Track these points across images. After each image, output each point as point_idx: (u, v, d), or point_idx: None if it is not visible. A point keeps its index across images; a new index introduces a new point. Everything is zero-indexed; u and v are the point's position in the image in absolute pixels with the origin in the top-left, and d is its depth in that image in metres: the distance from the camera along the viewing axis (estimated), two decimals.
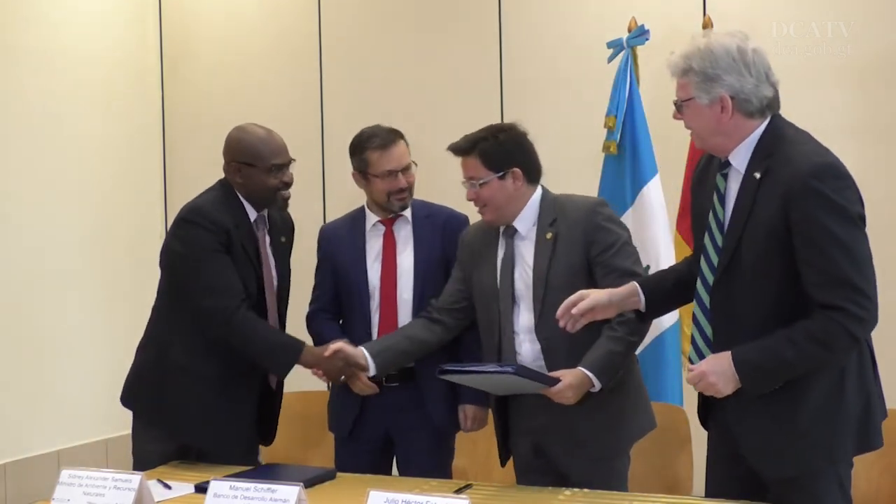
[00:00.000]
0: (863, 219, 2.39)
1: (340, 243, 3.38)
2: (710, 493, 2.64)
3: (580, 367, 2.77)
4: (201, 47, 5.90)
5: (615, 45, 4.33)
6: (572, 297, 2.64)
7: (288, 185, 3.21)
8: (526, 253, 2.92)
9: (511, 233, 2.95)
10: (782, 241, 2.37)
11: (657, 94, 4.00)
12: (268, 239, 3.27)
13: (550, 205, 2.94)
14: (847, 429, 2.41)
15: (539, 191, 2.97)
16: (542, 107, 5.04)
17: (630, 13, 4.36)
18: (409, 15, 5.38)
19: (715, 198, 2.51)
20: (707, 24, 4.26)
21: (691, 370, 2.48)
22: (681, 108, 2.51)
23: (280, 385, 3.35)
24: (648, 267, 4.15)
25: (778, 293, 2.40)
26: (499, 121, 5.14)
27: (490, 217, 2.96)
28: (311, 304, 3.45)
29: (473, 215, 3.20)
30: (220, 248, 3.11)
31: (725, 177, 2.50)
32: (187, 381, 3.16)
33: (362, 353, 3.09)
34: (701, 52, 2.44)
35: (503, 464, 3.06)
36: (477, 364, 2.87)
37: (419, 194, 3.43)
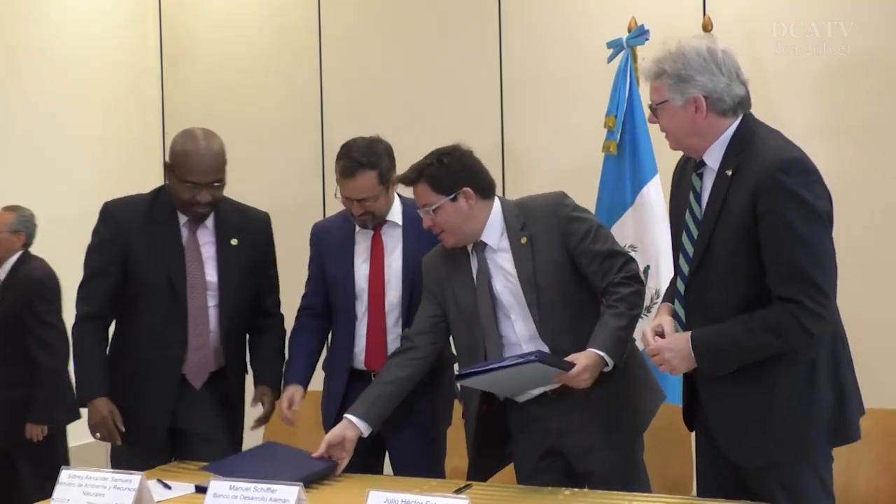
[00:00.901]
0: (829, 215, 2.42)
1: (330, 243, 3.37)
2: (701, 494, 2.66)
3: (590, 349, 2.78)
4: (201, 47, 5.90)
5: (615, 45, 4.33)
6: (647, 337, 2.59)
7: (201, 203, 3.15)
8: (504, 263, 2.93)
9: (481, 248, 2.95)
10: (752, 237, 2.41)
11: None
12: (210, 240, 3.26)
13: (514, 211, 2.95)
14: (819, 421, 2.44)
15: (497, 202, 2.97)
16: (542, 107, 5.04)
17: (630, 13, 4.37)
18: (408, 15, 5.38)
19: (691, 196, 2.55)
20: (707, 25, 4.26)
21: (647, 346, 2.52)
22: (656, 111, 2.55)
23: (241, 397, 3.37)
24: (648, 267, 4.15)
25: (748, 288, 2.44)
26: (498, 121, 5.16)
27: (451, 241, 2.95)
28: (302, 298, 3.44)
29: None
30: (109, 245, 3.21)
31: (701, 176, 2.54)
32: (114, 375, 3.24)
33: (342, 436, 2.93)
34: (672, 55, 2.48)
35: (477, 479, 2.98)
36: (496, 361, 2.83)
37: None
